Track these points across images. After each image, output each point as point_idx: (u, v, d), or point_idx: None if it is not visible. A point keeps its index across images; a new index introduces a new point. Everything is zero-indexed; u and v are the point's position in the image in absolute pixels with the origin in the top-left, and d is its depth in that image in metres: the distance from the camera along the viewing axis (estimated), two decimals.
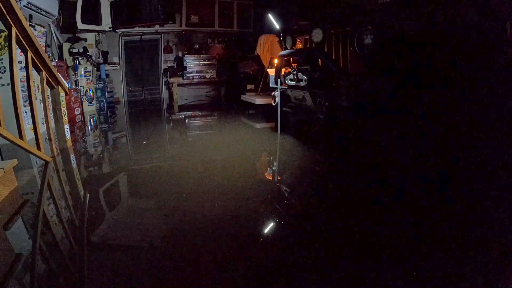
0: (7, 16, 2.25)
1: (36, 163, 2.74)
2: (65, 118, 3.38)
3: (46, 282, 1.24)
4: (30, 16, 4.89)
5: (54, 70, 3.16)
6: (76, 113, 5.32)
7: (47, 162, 2.67)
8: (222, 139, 4.07)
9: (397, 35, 2.73)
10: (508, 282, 1.15)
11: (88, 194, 2.23)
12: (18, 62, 2.80)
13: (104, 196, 2.15)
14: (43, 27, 5.08)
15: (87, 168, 2.97)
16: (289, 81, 3.82)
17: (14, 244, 1.54)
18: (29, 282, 1.23)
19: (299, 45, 4.29)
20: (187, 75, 7.77)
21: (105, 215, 1.85)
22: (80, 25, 6.45)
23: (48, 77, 3.10)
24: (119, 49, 7.96)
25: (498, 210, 1.71)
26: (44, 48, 4.71)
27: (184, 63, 7.75)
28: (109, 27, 7.02)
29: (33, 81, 2.80)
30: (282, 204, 1.93)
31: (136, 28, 7.54)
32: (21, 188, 2.17)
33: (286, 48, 4.56)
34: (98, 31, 7.03)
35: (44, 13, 5.39)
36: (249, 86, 6.44)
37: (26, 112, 3.23)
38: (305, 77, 3.46)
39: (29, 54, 2.64)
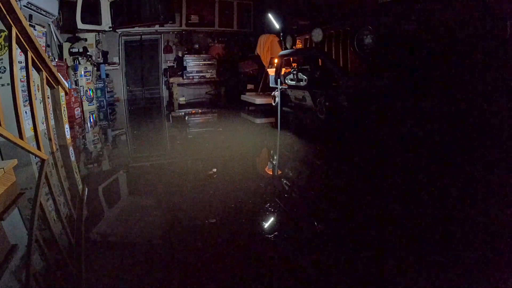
0: (7, 16, 2.25)
1: (35, 158, 2.74)
2: (65, 118, 3.39)
3: (43, 277, 1.24)
4: (30, 16, 4.89)
5: (54, 70, 3.17)
6: (76, 112, 5.32)
7: (44, 160, 2.67)
8: (222, 135, 4.07)
9: (397, 35, 2.73)
10: (508, 282, 1.15)
11: (86, 190, 2.23)
12: (18, 62, 2.80)
13: (103, 193, 2.16)
14: (43, 27, 5.08)
15: (86, 165, 2.98)
16: (289, 81, 3.82)
17: (10, 235, 1.54)
18: (25, 276, 1.23)
19: (299, 45, 4.29)
20: (187, 75, 7.77)
21: (104, 212, 1.85)
22: (80, 25, 6.46)
23: (48, 77, 3.10)
24: (119, 49, 7.96)
25: (498, 209, 1.71)
26: (44, 48, 4.71)
27: (184, 63, 7.76)
28: (109, 27, 7.03)
29: (33, 81, 2.80)
30: (283, 199, 1.94)
31: (136, 28, 7.55)
32: (20, 184, 2.18)
33: (286, 48, 4.56)
34: (98, 31, 7.03)
35: (44, 13, 5.39)
36: (249, 86, 6.46)
37: (26, 112, 3.24)
38: (305, 77, 3.46)
39: (29, 54, 2.64)
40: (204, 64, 7.92)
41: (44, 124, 3.35)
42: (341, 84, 3.12)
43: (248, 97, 5.67)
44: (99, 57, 7.13)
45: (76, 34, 6.63)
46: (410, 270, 1.22)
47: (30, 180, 2.35)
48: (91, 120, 5.44)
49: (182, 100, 7.66)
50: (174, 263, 1.34)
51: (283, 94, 4.08)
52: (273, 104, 4.40)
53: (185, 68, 7.76)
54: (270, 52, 5.75)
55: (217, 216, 1.73)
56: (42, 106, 3.30)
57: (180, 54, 8.11)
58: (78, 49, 6.21)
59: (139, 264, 1.31)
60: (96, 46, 7.06)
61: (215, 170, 2.39)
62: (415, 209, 1.77)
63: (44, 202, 1.93)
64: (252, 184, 2.24)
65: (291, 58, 4.15)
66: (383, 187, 2.15)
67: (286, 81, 3.90)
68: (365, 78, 2.96)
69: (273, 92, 4.38)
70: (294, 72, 3.63)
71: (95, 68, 6.78)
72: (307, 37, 3.96)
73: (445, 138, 2.49)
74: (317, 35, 3.62)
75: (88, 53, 6.37)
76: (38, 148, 2.65)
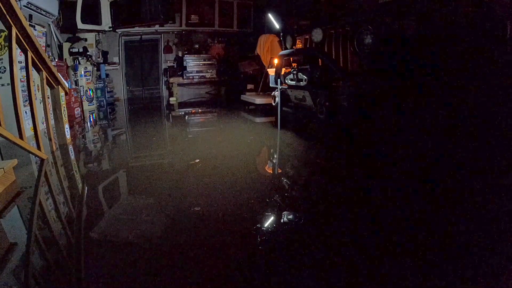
0: (7, 16, 2.25)
1: (35, 157, 2.74)
2: (65, 118, 3.39)
3: (42, 276, 1.24)
4: (30, 16, 4.89)
5: (54, 70, 3.17)
6: (76, 112, 5.34)
7: (43, 159, 2.68)
8: (221, 134, 4.07)
9: (397, 35, 2.73)
10: (508, 282, 1.15)
11: (86, 188, 2.24)
12: (18, 62, 2.80)
13: (103, 193, 2.16)
14: (43, 27, 5.08)
15: (86, 164, 2.98)
16: (289, 81, 3.82)
17: (9, 233, 1.54)
18: (23, 275, 1.23)
19: (299, 45, 4.29)
20: (187, 75, 7.77)
21: (104, 212, 1.85)
22: (80, 25, 6.46)
23: (48, 77, 3.10)
24: (119, 49, 7.95)
25: (498, 208, 1.71)
26: (44, 48, 4.71)
27: (184, 63, 7.76)
28: (109, 27, 7.02)
29: (33, 81, 2.80)
30: (283, 197, 1.95)
31: (136, 28, 7.53)
32: (20, 184, 2.18)
33: (286, 48, 4.56)
34: (98, 31, 7.03)
35: (44, 13, 5.39)
36: (249, 86, 6.46)
37: (26, 112, 3.24)
38: (305, 77, 3.46)
39: (29, 54, 2.64)
40: (204, 64, 7.92)
41: (44, 124, 3.35)
42: (341, 84, 3.12)
43: (248, 97, 5.67)
44: (99, 57, 7.13)
45: (76, 34, 6.63)
46: (411, 270, 1.22)
47: (30, 179, 2.35)
48: (91, 119, 5.44)
49: (172, 100, 7.61)
50: (173, 262, 1.34)
51: (283, 94, 4.08)
52: (273, 104, 4.40)
53: (185, 68, 7.75)
54: (270, 52, 5.75)
55: (217, 215, 1.73)
56: (42, 106, 3.30)
57: (180, 54, 8.11)
58: (78, 49, 6.21)
59: (139, 264, 1.31)
60: (96, 46, 7.06)
61: (197, 160, 2.68)
62: (414, 209, 1.77)
63: (44, 201, 1.94)
64: (252, 182, 2.24)
65: (291, 58, 4.15)
66: (383, 186, 2.15)
67: (286, 81, 3.90)
68: (365, 78, 2.96)
69: (273, 92, 4.38)
70: (294, 72, 3.63)
71: (95, 68, 6.77)
72: (307, 37, 3.97)
73: (445, 138, 2.49)
74: (317, 35, 3.62)
75: (88, 53, 6.37)
76: (38, 147, 2.65)
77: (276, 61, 4.12)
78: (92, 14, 6.64)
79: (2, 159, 2.47)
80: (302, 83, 3.54)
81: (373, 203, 1.89)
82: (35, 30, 4.27)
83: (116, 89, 7.97)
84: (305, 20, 4.60)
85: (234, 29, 8.37)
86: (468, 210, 1.73)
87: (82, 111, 5.83)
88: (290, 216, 1.70)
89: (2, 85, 3.44)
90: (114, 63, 7.88)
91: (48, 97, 3.33)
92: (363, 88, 2.89)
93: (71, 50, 6.23)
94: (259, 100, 5.22)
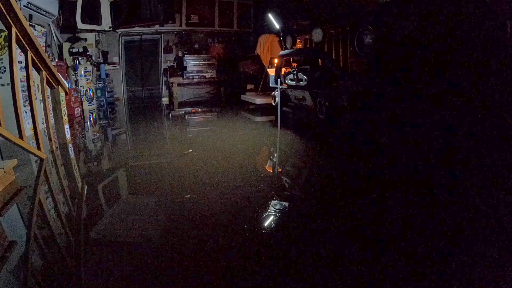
0: (7, 16, 2.25)
1: (35, 156, 2.74)
2: (65, 118, 3.39)
3: (42, 275, 1.24)
4: (30, 16, 4.89)
5: (54, 70, 3.17)
6: (76, 112, 5.34)
7: (43, 159, 2.68)
8: (221, 133, 4.07)
9: (397, 35, 2.73)
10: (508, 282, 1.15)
11: (86, 187, 2.24)
12: (18, 62, 2.80)
13: (103, 192, 2.16)
14: (43, 27, 5.08)
15: (85, 163, 2.99)
16: (289, 81, 3.83)
17: (9, 231, 1.54)
18: (23, 273, 1.23)
19: (299, 45, 4.30)
20: (187, 74, 7.77)
21: (104, 211, 1.86)
22: (80, 25, 6.46)
23: (48, 77, 3.10)
24: (119, 49, 7.95)
25: (498, 209, 1.71)
26: (44, 48, 4.71)
27: (184, 62, 7.75)
28: (109, 27, 7.03)
29: (33, 81, 2.80)
30: (283, 196, 1.95)
31: (136, 28, 7.54)
32: (19, 183, 2.17)
33: (286, 48, 4.56)
34: (98, 31, 7.03)
35: (44, 13, 5.39)
36: (249, 86, 6.47)
37: (26, 112, 3.24)
38: (305, 77, 3.46)
39: (29, 54, 2.64)
40: (204, 64, 7.91)
41: (44, 124, 3.35)
42: (341, 84, 3.12)
43: (248, 97, 5.68)
44: (99, 57, 7.13)
45: (76, 34, 6.63)
46: (409, 270, 1.22)
47: (30, 178, 2.35)
48: (91, 119, 5.45)
49: (165, 100, 7.59)
50: (173, 262, 1.34)
51: (283, 94, 4.08)
52: (273, 104, 4.41)
53: (185, 68, 7.75)
54: (270, 52, 5.75)
55: (218, 214, 1.73)
56: (42, 106, 3.30)
57: (180, 54, 8.10)
58: (78, 49, 6.21)
59: (139, 264, 1.31)
60: (96, 46, 7.06)
61: (190, 150, 2.86)
62: (413, 208, 1.77)
63: (43, 199, 1.94)
64: (253, 181, 2.24)
65: (291, 58, 4.15)
66: (382, 186, 2.15)
67: (286, 81, 3.90)
68: (364, 78, 2.96)
69: (273, 92, 4.39)
70: (294, 72, 3.63)
71: (95, 68, 6.77)
72: (307, 37, 3.97)
73: (444, 138, 2.49)
74: (317, 35, 3.62)
75: (88, 53, 6.37)
76: (38, 147, 2.65)
77: (276, 61, 4.12)
78: (92, 14, 6.64)
79: (2, 159, 2.47)
80: (302, 83, 3.54)
81: (372, 202, 1.89)
82: (35, 30, 4.27)
83: (116, 89, 7.97)
84: (305, 20, 4.60)
85: (234, 29, 8.37)
86: (468, 212, 1.73)
87: (82, 110, 5.83)
88: (277, 206, 1.70)
89: (2, 85, 3.44)
90: (114, 63, 7.87)
91: (48, 97, 3.33)
92: (363, 88, 2.89)
93: (71, 50, 6.23)
94: (259, 100, 5.23)
